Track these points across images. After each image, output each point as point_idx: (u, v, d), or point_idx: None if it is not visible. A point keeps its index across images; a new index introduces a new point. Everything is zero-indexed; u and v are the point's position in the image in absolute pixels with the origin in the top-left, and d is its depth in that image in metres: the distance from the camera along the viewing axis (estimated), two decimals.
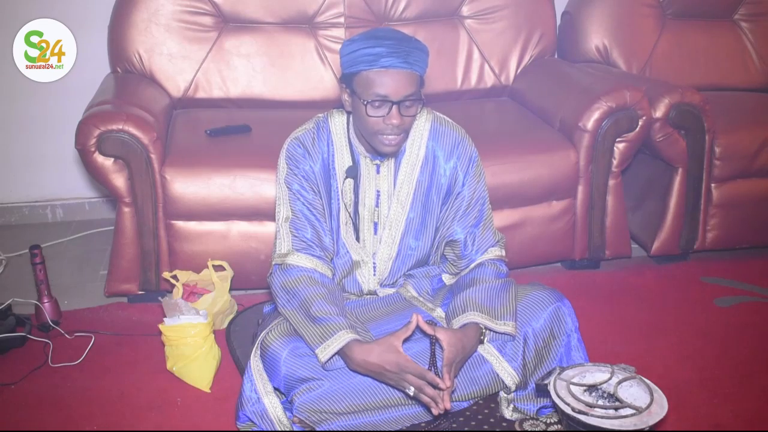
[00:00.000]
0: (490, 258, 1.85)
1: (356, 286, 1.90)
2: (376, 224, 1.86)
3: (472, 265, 1.86)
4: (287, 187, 1.79)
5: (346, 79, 1.70)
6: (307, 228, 1.77)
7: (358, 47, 1.63)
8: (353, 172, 1.81)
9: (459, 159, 1.84)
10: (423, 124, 1.84)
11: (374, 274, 1.89)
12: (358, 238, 1.85)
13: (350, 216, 1.84)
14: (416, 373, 1.59)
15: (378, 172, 1.83)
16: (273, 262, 1.80)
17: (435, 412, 1.59)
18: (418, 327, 1.64)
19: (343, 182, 1.82)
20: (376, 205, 1.84)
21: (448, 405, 1.58)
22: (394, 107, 1.64)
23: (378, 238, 1.86)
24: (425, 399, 1.60)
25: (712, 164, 2.65)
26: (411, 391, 1.61)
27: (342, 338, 1.63)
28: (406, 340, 1.63)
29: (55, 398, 1.97)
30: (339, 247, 1.85)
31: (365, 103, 1.65)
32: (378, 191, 1.84)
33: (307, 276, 1.73)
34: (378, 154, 1.79)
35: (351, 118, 1.79)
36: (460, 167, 1.84)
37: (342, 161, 1.82)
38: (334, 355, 1.64)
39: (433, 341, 1.63)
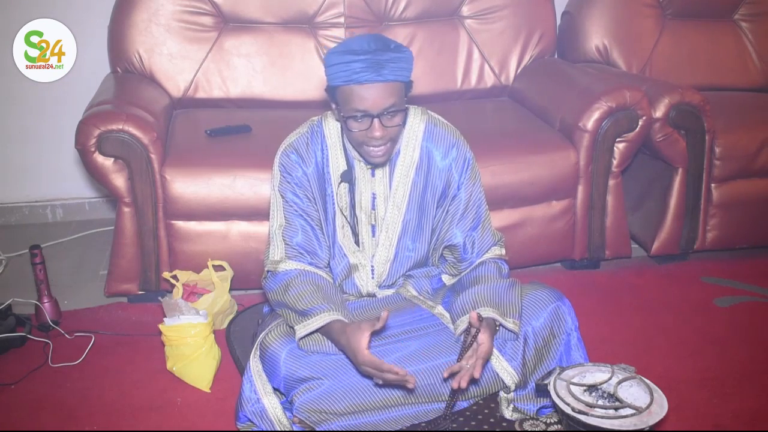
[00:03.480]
0: (490, 257, 1.86)
1: (354, 288, 1.89)
2: (374, 227, 1.86)
3: (474, 265, 1.86)
4: (281, 195, 1.80)
5: (330, 91, 1.70)
6: (299, 237, 1.78)
7: (335, 61, 1.62)
8: (348, 177, 1.80)
9: (455, 161, 1.83)
10: (418, 125, 1.82)
11: (372, 277, 1.88)
12: (357, 242, 1.85)
13: (347, 220, 1.83)
14: (372, 365, 1.56)
15: (373, 175, 1.82)
16: (266, 268, 1.81)
17: (455, 384, 1.58)
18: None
19: (338, 186, 1.82)
20: (373, 208, 1.84)
21: (464, 383, 1.57)
22: (376, 120, 1.63)
23: (376, 240, 1.86)
24: (392, 384, 1.62)
25: (712, 164, 2.65)
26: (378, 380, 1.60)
27: (322, 319, 1.65)
28: (407, 330, 1.66)
29: (55, 398, 1.97)
30: (335, 251, 1.85)
31: (346, 117, 1.66)
32: (374, 194, 1.83)
33: (298, 273, 1.74)
34: (369, 163, 1.79)
35: None
36: (455, 169, 1.83)
37: (336, 165, 1.81)
38: (313, 333, 1.67)
39: (472, 333, 1.62)
